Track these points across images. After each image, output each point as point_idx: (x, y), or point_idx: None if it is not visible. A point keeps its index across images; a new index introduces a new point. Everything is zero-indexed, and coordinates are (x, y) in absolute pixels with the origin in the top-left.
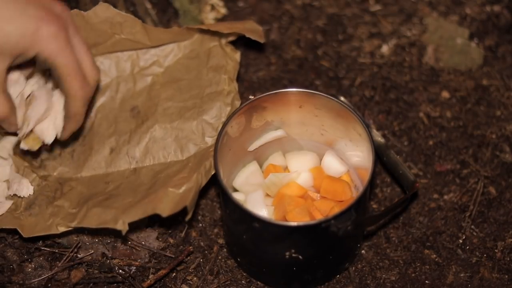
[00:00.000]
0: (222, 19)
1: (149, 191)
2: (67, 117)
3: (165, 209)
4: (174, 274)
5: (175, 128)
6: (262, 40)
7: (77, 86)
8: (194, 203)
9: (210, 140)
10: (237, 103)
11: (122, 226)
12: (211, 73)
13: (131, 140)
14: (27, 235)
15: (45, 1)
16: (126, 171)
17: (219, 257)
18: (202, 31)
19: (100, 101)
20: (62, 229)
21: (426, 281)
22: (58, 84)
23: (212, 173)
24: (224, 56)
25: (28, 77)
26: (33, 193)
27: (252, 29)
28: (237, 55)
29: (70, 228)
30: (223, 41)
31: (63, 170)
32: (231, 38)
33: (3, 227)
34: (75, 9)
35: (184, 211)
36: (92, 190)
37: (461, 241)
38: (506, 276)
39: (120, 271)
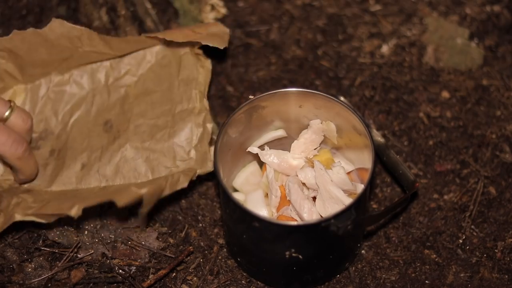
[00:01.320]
0: (222, 19)
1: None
2: (14, 170)
3: (121, 200)
4: (174, 274)
5: (146, 148)
6: (222, 46)
7: (9, 155)
8: (152, 201)
9: (181, 164)
10: (209, 125)
11: (76, 211)
12: (182, 87)
13: (102, 157)
14: None
15: None
16: (96, 188)
17: (219, 257)
18: (162, 41)
19: (76, 115)
20: (18, 217)
21: (426, 281)
22: None
23: (179, 188)
24: (195, 64)
25: None
26: (2, 188)
27: (217, 33)
28: (208, 63)
29: (26, 217)
30: (195, 47)
31: (34, 183)
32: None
33: None
34: (31, 28)
35: (183, 213)
36: (58, 196)
37: (461, 241)
38: (506, 276)
39: (120, 271)
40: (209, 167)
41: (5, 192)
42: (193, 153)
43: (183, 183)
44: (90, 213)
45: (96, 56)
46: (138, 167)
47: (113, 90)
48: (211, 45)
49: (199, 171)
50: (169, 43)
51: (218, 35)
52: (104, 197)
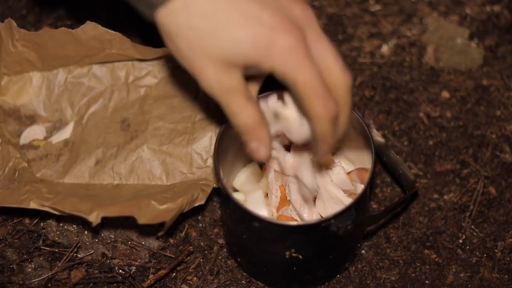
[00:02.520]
0: None
1: (131, 201)
2: (314, 139)
3: (142, 217)
4: (174, 274)
5: (164, 152)
6: None
7: (320, 106)
8: (171, 222)
9: (197, 171)
10: None
11: (95, 218)
12: (205, 96)
13: (118, 155)
14: None
15: (283, 3)
16: (109, 185)
17: (219, 257)
18: None
19: (93, 108)
20: (33, 205)
21: (426, 281)
22: (298, 103)
23: (197, 205)
24: None
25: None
26: (17, 173)
27: None
28: None
29: (41, 207)
30: None
31: (47, 173)
32: None
33: None
34: (63, 28)
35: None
36: (70, 192)
37: (461, 241)
38: (506, 276)
39: (120, 271)
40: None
41: (18, 175)
42: (210, 161)
43: (201, 200)
44: None
45: (122, 58)
46: (153, 169)
47: (132, 89)
48: None
49: (215, 185)
50: None
51: None
52: (125, 211)
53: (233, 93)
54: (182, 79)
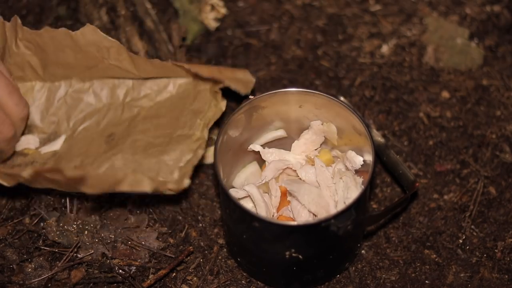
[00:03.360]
0: (222, 19)
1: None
2: None
3: (68, 173)
4: (174, 274)
5: (135, 161)
6: (244, 92)
7: None
8: (101, 186)
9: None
10: (200, 152)
11: (28, 173)
12: (189, 115)
13: (94, 162)
14: None
15: None
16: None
17: (219, 257)
18: (188, 72)
19: (86, 123)
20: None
21: (426, 281)
22: None
23: (139, 190)
24: (209, 101)
25: None
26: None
27: (242, 79)
28: (223, 104)
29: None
30: (216, 86)
31: None
32: (221, 85)
33: None
34: (63, 28)
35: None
36: None
37: (461, 241)
38: (506, 276)
39: (120, 271)
40: (182, 185)
41: None
42: (176, 173)
43: (146, 187)
44: (90, 212)
45: (120, 72)
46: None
47: (127, 108)
48: (232, 88)
49: (171, 186)
50: (193, 76)
51: (242, 81)
52: (54, 168)
53: None
54: (176, 103)
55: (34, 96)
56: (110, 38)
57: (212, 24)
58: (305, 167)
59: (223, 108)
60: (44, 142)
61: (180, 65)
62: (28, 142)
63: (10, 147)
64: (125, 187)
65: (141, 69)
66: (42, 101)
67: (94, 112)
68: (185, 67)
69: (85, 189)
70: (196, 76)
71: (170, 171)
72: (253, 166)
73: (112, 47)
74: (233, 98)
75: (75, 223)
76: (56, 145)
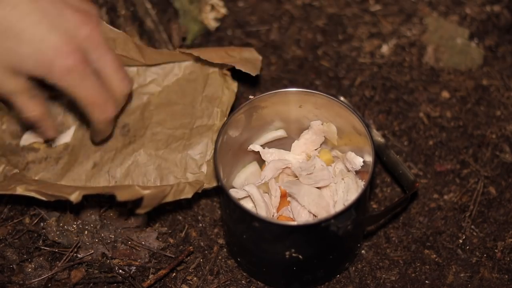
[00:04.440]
0: (222, 19)
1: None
2: (93, 131)
3: (122, 195)
4: (174, 274)
5: (159, 156)
6: (254, 73)
7: (98, 114)
8: (151, 204)
9: (191, 176)
10: None
11: (76, 196)
12: (205, 103)
13: (115, 159)
14: None
15: (71, 25)
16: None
17: (219, 257)
18: (195, 58)
19: None
20: (20, 190)
21: (426, 281)
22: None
23: (183, 197)
24: (221, 85)
25: None
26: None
27: (250, 59)
28: (235, 85)
29: (27, 193)
30: (224, 68)
31: (45, 176)
32: (229, 66)
33: None
34: None
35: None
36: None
37: (461, 241)
38: (506, 276)
39: (120, 271)
40: (214, 181)
41: (6, 179)
42: (204, 167)
43: (188, 194)
44: (90, 211)
45: (127, 61)
46: (148, 173)
47: (136, 96)
48: (244, 70)
49: (206, 185)
50: (198, 60)
51: (250, 61)
52: (107, 190)
53: (16, 94)
54: (185, 86)
55: None
56: (116, 29)
57: (212, 24)
58: (302, 164)
59: (235, 90)
60: None
61: (188, 52)
62: (36, 135)
63: (110, 128)
64: (170, 198)
65: (148, 58)
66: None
67: None
68: (194, 54)
69: (138, 210)
70: (207, 62)
71: (198, 166)
72: (253, 166)
73: (118, 38)
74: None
75: (75, 223)
76: (67, 137)
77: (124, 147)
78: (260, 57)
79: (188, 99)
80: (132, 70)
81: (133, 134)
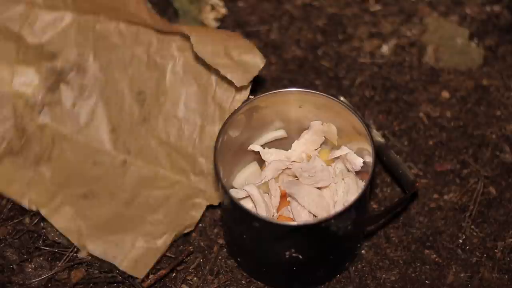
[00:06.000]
0: (222, 19)
1: (125, 211)
2: None
3: (122, 264)
4: (174, 274)
5: (172, 145)
6: (240, 84)
7: None
8: (150, 265)
9: (199, 175)
10: None
11: (83, 252)
12: (215, 107)
13: (131, 132)
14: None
15: None
16: (117, 160)
17: (219, 257)
18: (186, 38)
19: (112, 65)
20: (32, 207)
21: (426, 281)
22: None
23: (182, 234)
24: (231, 89)
25: None
26: (23, 137)
27: (247, 63)
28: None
29: (36, 210)
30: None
31: (62, 123)
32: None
33: None
34: None
35: None
36: (78, 166)
37: (461, 241)
38: (506, 276)
39: (120, 271)
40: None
41: (26, 142)
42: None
43: (190, 227)
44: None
45: (140, 21)
46: (159, 157)
47: (152, 63)
48: (229, 77)
49: (208, 202)
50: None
51: (246, 67)
52: (108, 254)
53: None
54: (198, 68)
55: (62, 27)
56: None
57: (212, 24)
58: (303, 165)
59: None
60: (67, 72)
61: (181, 31)
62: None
63: None
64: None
65: (156, 21)
66: (71, 33)
67: (120, 55)
68: (192, 40)
69: None
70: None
71: (206, 164)
72: (253, 166)
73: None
74: None
75: None
76: (85, 79)
77: (139, 123)
78: (261, 65)
79: (202, 82)
80: (151, 33)
81: (148, 109)
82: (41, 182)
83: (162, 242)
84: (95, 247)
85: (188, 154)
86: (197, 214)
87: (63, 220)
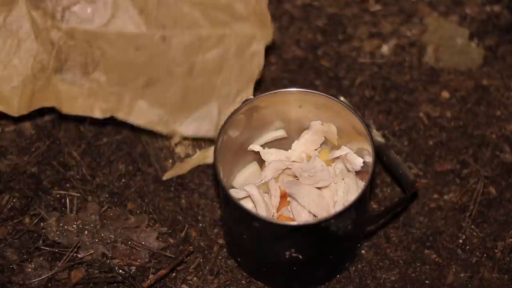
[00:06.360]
0: None
1: (192, 83)
2: None
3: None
4: (174, 274)
5: (203, 2)
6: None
7: None
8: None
9: (239, 20)
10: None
11: (175, 138)
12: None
13: (160, 6)
14: (66, 111)
15: None
16: (155, 37)
17: (219, 257)
18: None
19: None
20: (107, 115)
21: (426, 281)
22: None
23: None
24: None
25: None
26: (61, 51)
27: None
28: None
29: (108, 115)
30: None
31: (88, 21)
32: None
33: (42, 105)
34: None
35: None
36: (123, 57)
37: (461, 241)
38: (506, 276)
39: (120, 271)
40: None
41: (57, 53)
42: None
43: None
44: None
45: None
46: (196, 18)
47: None
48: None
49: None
50: None
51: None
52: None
53: None
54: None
55: None
56: None
57: None
58: (303, 165)
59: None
60: None
61: None
62: None
63: None
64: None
65: None
66: None
67: None
68: None
69: None
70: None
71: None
72: (253, 166)
73: None
74: None
75: (75, 223)
76: None
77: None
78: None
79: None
80: None
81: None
82: (101, 89)
83: (240, 99)
84: (186, 128)
85: (223, 4)
86: (260, 59)
87: (142, 115)
